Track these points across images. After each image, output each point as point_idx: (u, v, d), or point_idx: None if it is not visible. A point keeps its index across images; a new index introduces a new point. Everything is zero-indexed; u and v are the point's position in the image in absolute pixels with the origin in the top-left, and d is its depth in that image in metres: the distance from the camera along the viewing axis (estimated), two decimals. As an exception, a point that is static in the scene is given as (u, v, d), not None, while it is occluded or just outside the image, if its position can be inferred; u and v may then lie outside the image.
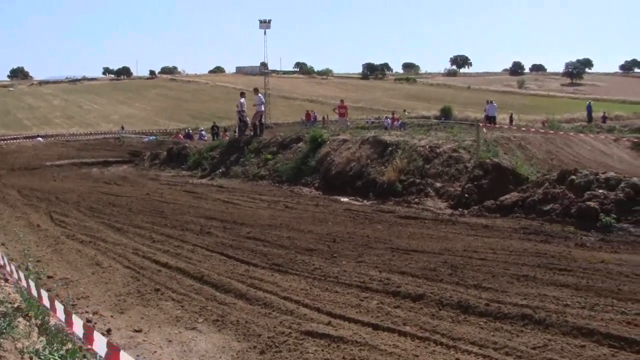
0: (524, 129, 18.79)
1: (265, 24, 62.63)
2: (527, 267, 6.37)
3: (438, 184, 11.85)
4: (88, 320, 4.90)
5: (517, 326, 4.63)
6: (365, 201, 12.33)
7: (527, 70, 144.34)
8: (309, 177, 15.07)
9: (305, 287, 5.89)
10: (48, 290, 5.54)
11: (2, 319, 3.96)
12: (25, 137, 39.77)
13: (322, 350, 4.27)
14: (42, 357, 3.56)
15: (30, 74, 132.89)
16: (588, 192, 9.10)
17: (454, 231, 8.79)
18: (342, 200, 12.63)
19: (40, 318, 4.37)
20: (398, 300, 5.40)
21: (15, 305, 4.45)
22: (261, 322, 4.87)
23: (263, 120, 22.52)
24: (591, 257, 6.77)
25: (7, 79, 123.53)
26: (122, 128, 49.82)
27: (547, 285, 5.68)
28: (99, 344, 3.07)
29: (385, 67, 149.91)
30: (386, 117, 43.73)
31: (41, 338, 3.98)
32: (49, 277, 6.28)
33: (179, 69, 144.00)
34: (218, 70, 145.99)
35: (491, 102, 30.98)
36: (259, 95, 20.25)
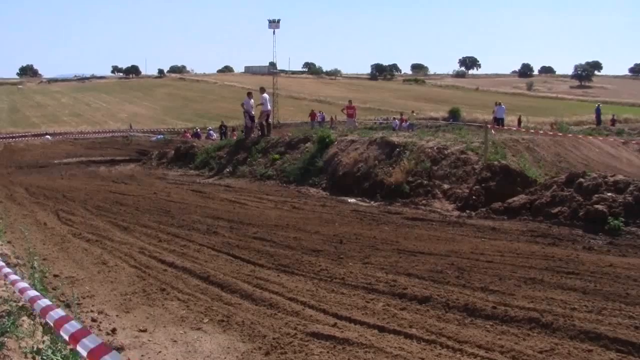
0: (532, 131, 18.74)
1: (274, 23, 62.66)
2: (534, 270, 6.33)
3: (446, 186, 11.80)
4: (93, 320, 4.91)
5: (524, 330, 4.60)
6: (372, 202, 12.30)
7: (536, 72, 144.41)
8: (317, 177, 15.06)
9: (312, 288, 5.87)
10: (54, 289, 5.59)
11: (6, 317, 3.97)
12: (34, 135, 40.16)
13: (328, 352, 4.25)
14: (45, 357, 3.55)
15: (40, 72, 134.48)
16: (596, 195, 9.03)
17: (461, 233, 8.76)
18: (349, 201, 12.61)
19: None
20: (404, 302, 5.37)
21: (20, 304, 4.45)
22: (267, 323, 4.86)
23: (270, 119, 22.45)
24: (599, 261, 6.72)
25: (17, 77, 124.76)
26: (130, 127, 49.80)
27: (554, 288, 5.63)
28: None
29: (393, 67, 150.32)
30: (394, 118, 43.76)
31: (45, 337, 3.98)
32: (54, 275, 6.31)
33: (188, 68, 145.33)
34: (226, 69, 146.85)
35: (500, 104, 30.79)
36: (264, 94, 20.23)
